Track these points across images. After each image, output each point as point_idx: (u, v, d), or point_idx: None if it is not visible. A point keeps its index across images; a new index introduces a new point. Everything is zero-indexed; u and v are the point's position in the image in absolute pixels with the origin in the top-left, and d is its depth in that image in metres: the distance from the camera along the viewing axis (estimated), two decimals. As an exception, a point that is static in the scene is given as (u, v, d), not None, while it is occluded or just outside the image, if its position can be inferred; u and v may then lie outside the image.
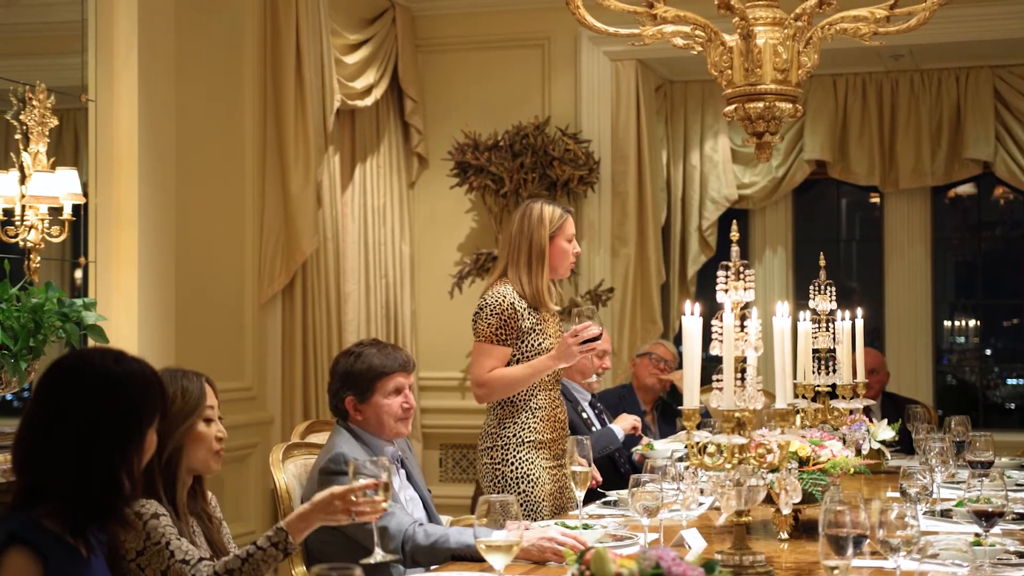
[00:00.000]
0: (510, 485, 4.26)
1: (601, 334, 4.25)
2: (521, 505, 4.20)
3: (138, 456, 2.33)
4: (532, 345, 4.30)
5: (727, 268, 2.92)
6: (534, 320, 4.32)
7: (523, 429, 4.29)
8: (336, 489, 2.89)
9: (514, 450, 4.28)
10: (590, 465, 3.59)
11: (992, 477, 3.23)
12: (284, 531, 2.90)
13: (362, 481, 2.86)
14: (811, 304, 4.02)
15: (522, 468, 4.26)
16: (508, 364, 4.30)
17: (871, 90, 7.93)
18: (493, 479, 4.29)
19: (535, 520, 3.98)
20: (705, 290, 8.03)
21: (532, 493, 4.25)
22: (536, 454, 4.29)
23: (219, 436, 3.09)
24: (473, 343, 4.34)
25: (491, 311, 4.27)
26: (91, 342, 4.55)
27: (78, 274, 5.43)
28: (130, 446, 2.32)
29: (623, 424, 5.30)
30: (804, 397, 3.86)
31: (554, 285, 4.47)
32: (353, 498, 2.84)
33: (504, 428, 4.31)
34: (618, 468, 5.27)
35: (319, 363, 6.81)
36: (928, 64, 7.79)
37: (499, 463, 4.28)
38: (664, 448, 4.51)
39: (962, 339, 8.45)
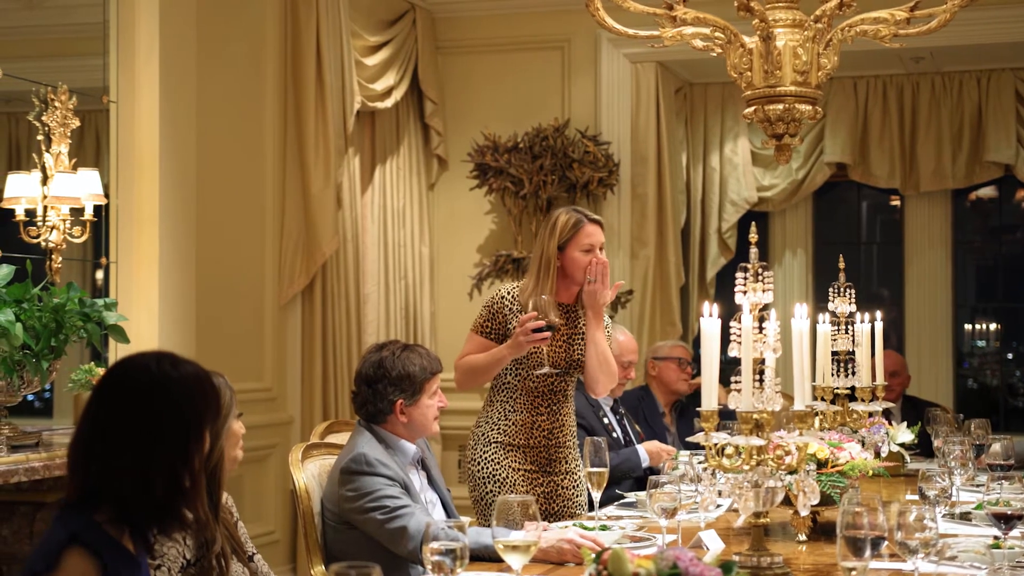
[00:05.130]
0: (478, 484, 4.27)
1: (548, 326, 4.07)
2: (489, 506, 4.20)
3: (199, 456, 2.34)
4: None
5: (745, 270, 2.92)
6: None
7: (492, 429, 4.30)
8: None
9: (481, 448, 4.30)
10: (605, 467, 3.60)
11: (1012, 480, 3.21)
12: None
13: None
14: (830, 306, 4.01)
15: (488, 467, 4.26)
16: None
17: (891, 92, 7.91)
18: (470, 476, 4.31)
19: None
20: (724, 292, 8.01)
21: (499, 494, 4.20)
22: (504, 455, 4.27)
23: (242, 432, 3.08)
24: None
25: (485, 303, 4.36)
26: (112, 342, 4.57)
27: (99, 274, 5.46)
28: (191, 448, 2.32)
29: (650, 448, 5.26)
30: (823, 399, 3.86)
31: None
32: None
33: (478, 427, 4.36)
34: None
35: (339, 364, 6.82)
36: (949, 66, 7.76)
37: (470, 461, 4.33)
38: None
39: (983, 342, 8.41)
